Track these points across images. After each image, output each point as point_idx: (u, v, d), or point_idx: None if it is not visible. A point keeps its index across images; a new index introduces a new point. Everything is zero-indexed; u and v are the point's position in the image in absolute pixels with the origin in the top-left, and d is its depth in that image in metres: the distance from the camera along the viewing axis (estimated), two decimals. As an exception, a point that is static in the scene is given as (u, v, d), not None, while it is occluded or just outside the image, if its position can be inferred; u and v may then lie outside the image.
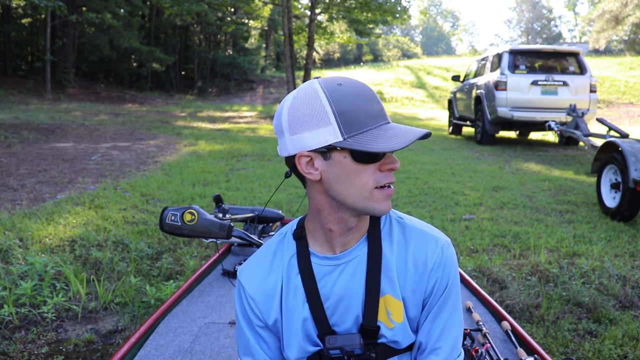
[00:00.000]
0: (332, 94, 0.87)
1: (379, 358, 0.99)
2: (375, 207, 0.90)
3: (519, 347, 1.54)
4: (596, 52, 31.42)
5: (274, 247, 1.03)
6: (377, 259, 0.96)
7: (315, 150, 0.87)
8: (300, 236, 1.00)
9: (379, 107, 0.90)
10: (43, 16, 20.83)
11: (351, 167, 0.87)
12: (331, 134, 0.85)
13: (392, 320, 0.96)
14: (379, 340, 0.98)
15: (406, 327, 0.98)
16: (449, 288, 0.97)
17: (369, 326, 0.96)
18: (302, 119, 0.87)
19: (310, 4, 17.60)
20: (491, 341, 1.50)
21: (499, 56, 9.19)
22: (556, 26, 67.54)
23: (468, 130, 11.60)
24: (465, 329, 1.54)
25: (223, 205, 2.39)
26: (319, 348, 1.00)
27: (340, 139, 0.85)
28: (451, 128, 11.81)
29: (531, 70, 8.97)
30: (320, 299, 0.97)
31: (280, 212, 2.73)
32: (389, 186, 0.91)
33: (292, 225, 1.04)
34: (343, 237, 0.96)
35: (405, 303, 0.97)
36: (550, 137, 10.66)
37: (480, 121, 9.55)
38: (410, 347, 1.01)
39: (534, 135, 11.09)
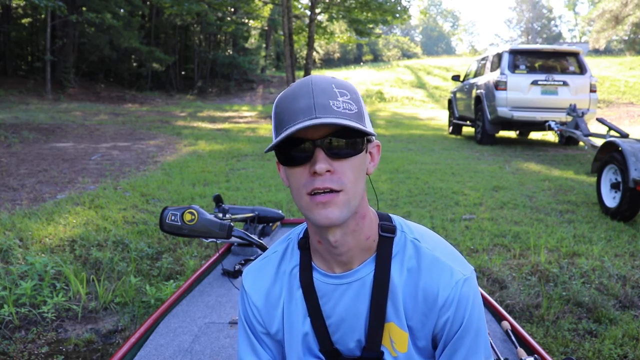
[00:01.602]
0: (278, 98, 0.84)
1: None
2: (311, 217, 0.80)
3: (519, 347, 1.54)
4: (596, 52, 31.41)
5: (280, 253, 0.98)
6: (383, 284, 0.87)
7: None
8: (305, 246, 0.94)
9: (305, 103, 0.77)
10: (43, 16, 20.83)
11: (287, 172, 0.83)
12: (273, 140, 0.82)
13: (396, 350, 0.90)
14: None
15: (411, 358, 0.90)
16: (464, 327, 0.86)
17: (371, 351, 0.91)
18: None
19: (310, 4, 17.59)
20: (491, 341, 1.50)
21: (499, 56, 9.19)
22: (556, 26, 67.56)
23: (468, 130, 11.60)
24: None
25: (223, 205, 2.39)
26: None
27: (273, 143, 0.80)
28: (451, 128, 11.81)
29: (531, 70, 8.97)
30: (322, 316, 0.92)
31: (280, 212, 2.73)
32: (321, 193, 0.78)
33: (299, 230, 0.98)
34: (336, 255, 0.88)
35: (412, 333, 0.89)
36: (550, 137, 10.66)
37: (480, 121, 9.55)
38: None
39: (534, 135, 11.09)
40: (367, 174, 0.86)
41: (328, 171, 0.78)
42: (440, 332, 0.88)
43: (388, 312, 0.88)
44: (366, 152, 0.84)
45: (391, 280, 0.87)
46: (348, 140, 0.79)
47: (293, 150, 0.80)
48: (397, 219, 0.94)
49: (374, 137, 0.85)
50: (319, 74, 0.86)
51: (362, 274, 0.89)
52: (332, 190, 0.78)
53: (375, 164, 0.88)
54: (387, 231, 0.90)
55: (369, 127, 0.82)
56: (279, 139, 0.77)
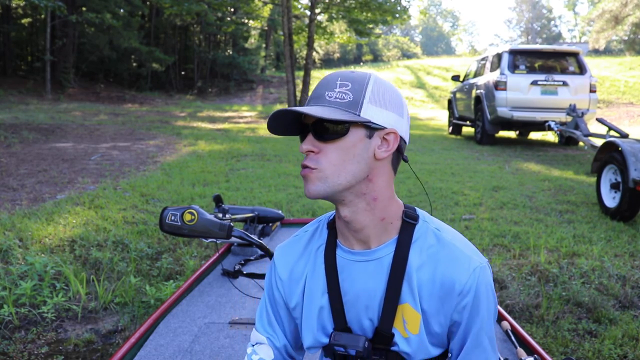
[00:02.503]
0: None
1: None
2: None
3: (518, 347, 1.54)
4: (596, 52, 31.41)
5: (310, 233, 1.05)
6: (401, 265, 0.92)
7: None
8: (332, 226, 1.01)
9: (315, 93, 0.91)
10: (43, 16, 20.83)
11: None
12: None
13: (408, 330, 0.93)
14: (392, 348, 0.95)
15: (422, 341, 0.93)
16: (482, 316, 0.91)
17: (383, 331, 0.94)
18: None
19: (310, 4, 17.58)
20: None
21: (499, 56, 9.19)
22: (556, 26, 67.55)
23: (468, 130, 11.60)
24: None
25: (223, 205, 2.39)
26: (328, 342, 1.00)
27: None
28: (451, 128, 11.82)
29: (531, 70, 8.97)
30: (340, 292, 0.97)
31: (280, 212, 2.73)
32: (304, 168, 0.90)
33: (331, 213, 1.05)
34: (352, 232, 0.94)
35: (426, 317, 0.93)
36: (550, 137, 10.66)
37: (480, 121, 9.55)
38: None
39: (534, 135, 11.09)
40: (377, 159, 0.91)
41: (312, 151, 0.89)
42: (459, 319, 0.92)
43: (403, 293, 0.92)
44: (370, 137, 0.89)
45: (409, 263, 0.92)
46: (330, 125, 0.88)
47: (301, 134, 0.94)
48: (421, 211, 1.00)
49: (384, 125, 0.90)
50: (343, 70, 0.96)
51: (381, 254, 0.94)
52: (308, 167, 0.89)
53: (390, 150, 0.91)
54: (410, 218, 0.96)
55: (368, 115, 0.88)
56: (268, 118, 0.91)
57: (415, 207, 1.00)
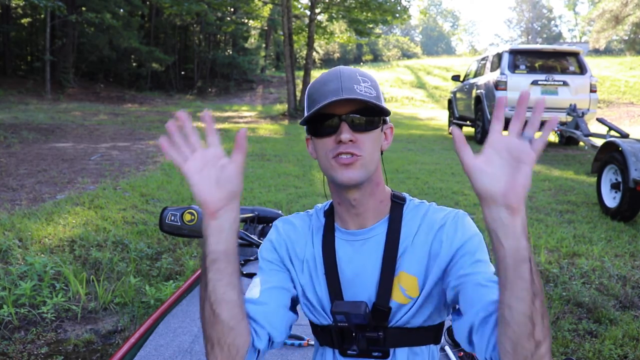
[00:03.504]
0: (311, 84, 1.01)
1: (387, 341, 0.99)
2: (335, 176, 0.96)
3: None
4: (596, 52, 31.40)
5: (309, 214, 1.12)
6: (394, 240, 0.99)
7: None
8: (330, 213, 1.07)
9: (334, 86, 0.94)
10: (43, 16, 20.81)
11: (315, 143, 0.99)
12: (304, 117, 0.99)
13: (408, 296, 0.98)
14: (390, 325, 0.98)
15: (422, 303, 0.97)
16: (469, 235, 0.96)
17: (380, 306, 0.98)
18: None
19: (310, 4, 17.57)
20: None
21: (499, 56, 9.19)
22: (556, 26, 67.53)
23: (468, 130, 11.59)
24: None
25: (223, 206, 2.39)
26: (328, 323, 1.01)
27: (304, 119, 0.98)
28: (451, 128, 11.80)
29: (531, 70, 8.96)
30: (337, 270, 1.01)
31: (280, 212, 2.73)
32: (345, 155, 0.93)
33: (321, 205, 1.12)
34: (354, 215, 1.01)
35: (426, 273, 0.97)
36: (551, 137, 10.66)
37: (480, 121, 9.55)
38: (422, 338, 0.99)
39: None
40: (382, 150, 1.01)
41: (351, 140, 0.93)
42: (449, 249, 0.95)
43: (398, 264, 0.98)
44: (382, 130, 1.00)
45: (402, 234, 1.00)
46: (367, 117, 0.95)
47: (323, 124, 0.96)
48: (405, 194, 1.09)
49: (388, 120, 1.02)
50: (346, 66, 1.02)
51: (376, 232, 1.01)
52: (353, 155, 0.94)
53: (389, 142, 1.03)
54: (397, 199, 1.05)
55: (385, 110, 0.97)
56: (312, 111, 0.94)
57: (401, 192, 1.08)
